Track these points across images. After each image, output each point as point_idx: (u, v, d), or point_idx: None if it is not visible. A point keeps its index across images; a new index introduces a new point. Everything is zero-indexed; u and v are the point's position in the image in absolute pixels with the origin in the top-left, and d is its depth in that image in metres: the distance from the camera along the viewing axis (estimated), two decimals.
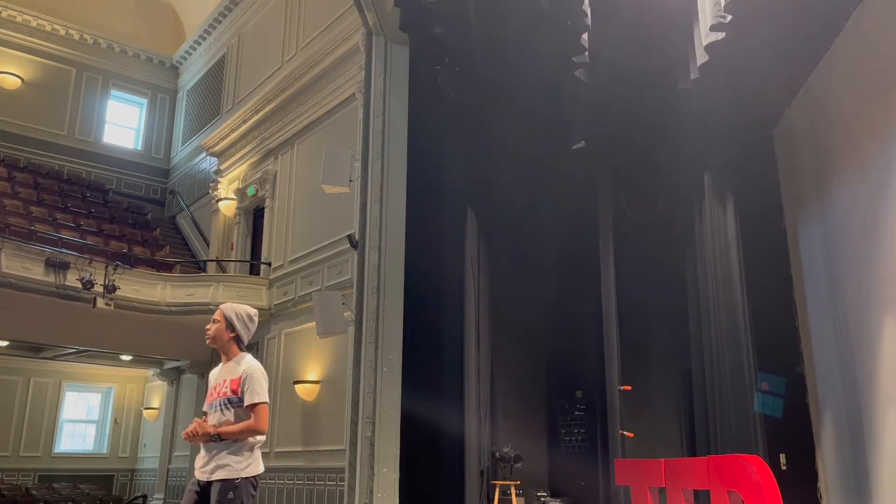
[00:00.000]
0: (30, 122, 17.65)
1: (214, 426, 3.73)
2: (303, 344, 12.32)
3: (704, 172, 7.46)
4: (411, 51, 7.76)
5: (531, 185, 8.56)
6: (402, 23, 7.44)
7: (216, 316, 3.95)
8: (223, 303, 4.22)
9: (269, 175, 14.31)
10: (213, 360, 14.90)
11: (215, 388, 3.89)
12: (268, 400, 3.77)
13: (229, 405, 3.77)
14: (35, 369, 16.87)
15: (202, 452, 3.80)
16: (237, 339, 3.91)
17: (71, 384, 17.55)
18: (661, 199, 8.23)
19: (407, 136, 7.61)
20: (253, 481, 3.72)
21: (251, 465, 3.71)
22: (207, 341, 3.97)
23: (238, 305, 4.02)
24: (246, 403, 3.72)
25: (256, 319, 4.02)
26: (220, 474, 3.65)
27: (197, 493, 3.74)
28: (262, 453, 3.84)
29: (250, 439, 3.72)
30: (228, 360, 3.91)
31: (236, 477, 3.64)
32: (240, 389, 3.74)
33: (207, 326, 3.96)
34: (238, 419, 3.73)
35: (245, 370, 3.79)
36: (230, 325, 3.90)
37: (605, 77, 7.08)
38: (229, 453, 3.69)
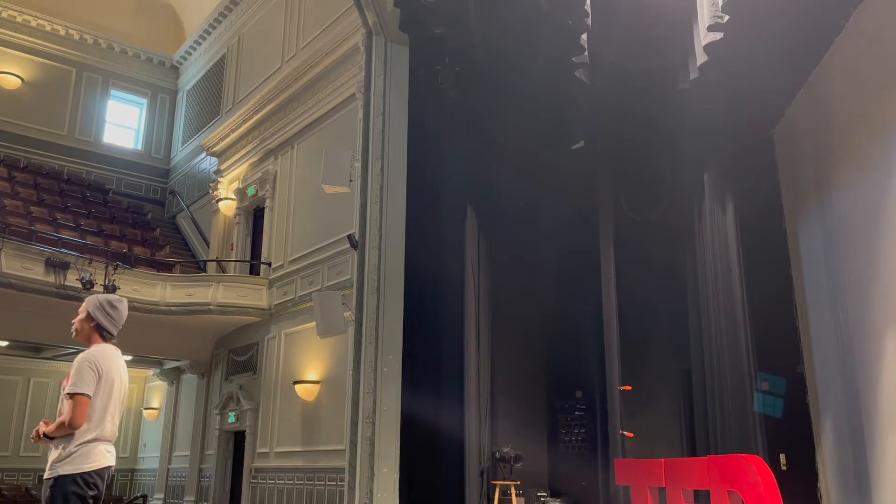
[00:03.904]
0: (30, 122, 17.65)
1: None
2: (303, 344, 12.32)
3: (704, 172, 7.46)
4: (411, 51, 7.75)
5: (531, 185, 8.55)
6: (402, 23, 7.44)
7: (80, 308, 3.83)
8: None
9: (269, 175, 14.32)
10: (214, 360, 14.93)
11: None
12: (86, 391, 3.54)
13: (64, 397, 3.64)
14: (35, 369, 16.87)
15: None
16: (98, 329, 3.77)
17: None
18: (661, 199, 8.23)
19: (407, 135, 7.61)
20: (78, 479, 3.50)
21: (74, 460, 3.51)
22: (73, 335, 3.84)
23: (100, 295, 3.88)
24: (65, 392, 3.58)
25: (120, 305, 3.85)
26: (47, 473, 3.54)
27: None
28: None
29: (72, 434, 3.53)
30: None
31: (54, 475, 3.49)
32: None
33: (73, 321, 3.84)
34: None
35: (76, 359, 3.65)
36: (89, 316, 3.77)
37: (605, 77, 7.08)
38: (55, 449, 3.56)
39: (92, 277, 11.78)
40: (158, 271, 14.02)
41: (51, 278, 11.75)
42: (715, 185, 7.34)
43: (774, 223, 7.39)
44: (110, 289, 11.98)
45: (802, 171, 7.08)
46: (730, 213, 7.22)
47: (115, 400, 3.71)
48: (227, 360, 14.55)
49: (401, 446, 6.90)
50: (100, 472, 3.60)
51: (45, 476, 3.53)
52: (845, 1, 5.66)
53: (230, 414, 13.79)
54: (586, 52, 6.64)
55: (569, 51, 6.66)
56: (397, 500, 6.81)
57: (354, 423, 7.19)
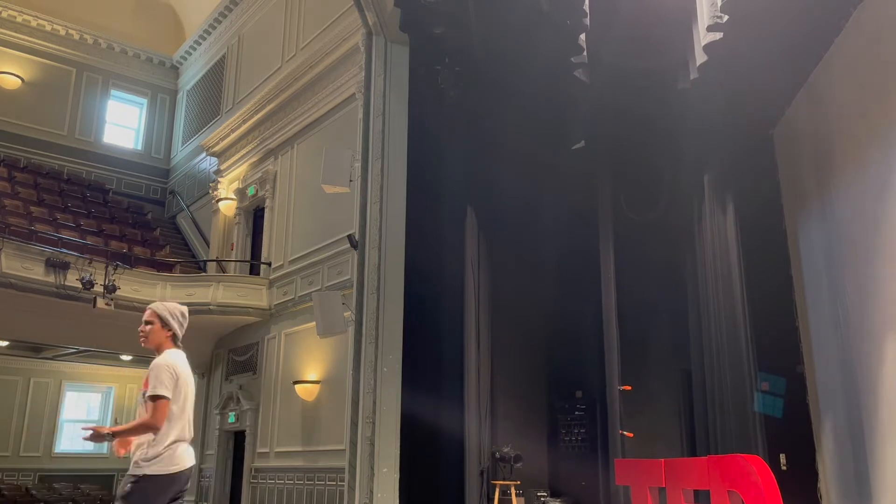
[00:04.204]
0: (30, 122, 17.65)
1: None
2: (303, 344, 12.32)
3: (704, 172, 7.46)
4: (411, 51, 7.76)
5: (531, 185, 8.55)
6: (402, 23, 7.44)
7: (148, 317, 3.92)
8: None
9: (269, 175, 14.32)
10: (214, 360, 14.93)
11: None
12: (166, 394, 3.66)
13: (142, 399, 3.76)
14: (35, 369, 16.88)
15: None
16: (173, 337, 3.91)
17: (71, 384, 17.56)
18: (661, 199, 8.22)
19: (407, 135, 7.61)
20: (163, 480, 3.63)
21: (162, 461, 3.63)
22: (142, 343, 3.93)
23: (168, 303, 4.02)
24: (146, 395, 3.68)
25: (188, 316, 4.01)
26: (132, 469, 3.64)
27: None
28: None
29: (153, 435, 3.64)
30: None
31: (139, 473, 3.60)
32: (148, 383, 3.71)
33: (140, 328, 3.93)
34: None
35: (153, 364, 3.76)
36: (165, 325, 3.89)
37: (605, 77, 7.08)
38: (140, 449, 3.67)
39: (92, 277, 11.79)
40: (158, 271, 14.02)
41: (51, 278, 11.75)
42: (715, 185, 7.34)
43: (774, 223, 7.38)
44: (110, 289, 11.98)
45: (802, 171, 7.08)
46: (730, 213, 7.21)
47: (190, 402, 3.86)
48: (227, 360, 14.55)
49: (401, 446, 6.90)
50: (185, 473, 3.76)
51: (130, 472, 3.63)
52: (845, 1, 5.66)
53: (230, 414, 13.79)
54: (585, 52, 6.64)
55: (568, 51, 6.66)
56: (397, 500, 6.81)
57: (354, 423, 7.20)
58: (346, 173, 8.00)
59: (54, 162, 17.68)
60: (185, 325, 3.99)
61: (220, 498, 13.66)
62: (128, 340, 14.63)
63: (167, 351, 3.85)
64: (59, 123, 18.15)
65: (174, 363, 3.78)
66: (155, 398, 3.64)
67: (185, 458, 3.75)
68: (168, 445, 3.67)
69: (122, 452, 3.82)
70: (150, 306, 3.98)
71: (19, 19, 17.79)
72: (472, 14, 6.84)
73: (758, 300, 7.05)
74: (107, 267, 12.31)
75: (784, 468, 6.76)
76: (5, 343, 14.48)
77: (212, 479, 13.92)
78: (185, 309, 4.02)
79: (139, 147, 19.54)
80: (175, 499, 3.75)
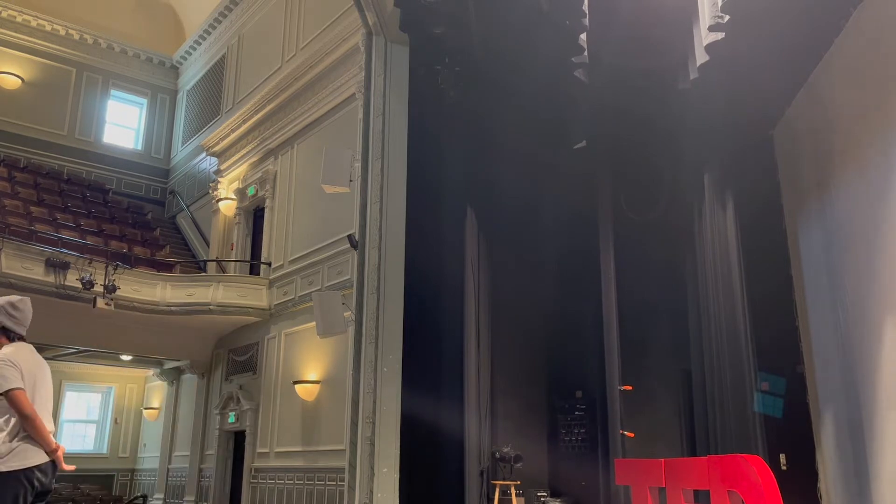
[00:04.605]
0: (30, 122, 17.66)
1: None
2: (303, 344, 12.32)
3: (704, 172, 7.46)
4: (411, 51, 7.75)
5: (531, 185, 8.55)
6: (402, 23, 7.44)
7: None
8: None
9: (269, 175, 14.32)
10: (214, 360, 14.94)
11: None
12: (17, 385, 3.65)
13: None
14: None
15: None
16: (4, 331, 3.88)
17: (71, 384, 17.56)
18: (661, 199, 8.22)
19: (407, 135, 7.61)
20: (20, 476, 3.60)
21: (14, 457, 3.61)
22: None
23: (2, 297, 3.98)
24: None
25: (23, 305, 3.95)
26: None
27: None
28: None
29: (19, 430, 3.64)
30: None
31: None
32: None
33: None
34: None
35: None
36: None
37: (605, 77, 7.08)
38: None
39: (92, 277, 11.79)
40: (158, 271, 14.03)
41: (51, 278, 11.75)
42: (715, 185, 7.34)
43: (774, 223, 7.38)
44: (110, 289, 11.99)
45: (802, 171, 7.08)
46: (730, 213, 7.21)
47: (40, 394, 3.81)
48: (227, 360, 14.55)
49: (401, 446, 6.90)
50: (42, 468, 3.69)
51: None
52: (845, 1, 5.65)
53: (230, 414, 13.79)
54: (586, 52, 6.64)
55: (569, 51, 6.66)
56: (397, 500, 6.81)
57: (354, 423, 7.19)
58: (346, 173, 7.99)
59: (54, 162, 17.69)
60: (22, 318, 3.92)
61: (220, 498, 13.66)
62: (128, 340, 14.72)
63: (5, 348, 3.83)
64: (59, 123, 18.16)
65: (11, 358, 3.75)
66: (6, 393, 3.64)
67: (41, 453, 3.71)
68: (22, 438, 3.66)
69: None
70: None
71: (19, 19, 17.79)
72: (472, 14, 6.84)
73: (758, 300, 7.05)
74: (107, 267, 12.31)
75: (784, 468, 6.76)
76: None
77: (212, 479, 13.92)
78: (18, 300, 3.96)
79: (139, 147, 19.55)
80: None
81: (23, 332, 3.93)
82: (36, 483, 3.64)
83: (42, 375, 3.88)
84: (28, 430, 3.65)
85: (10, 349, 3.81)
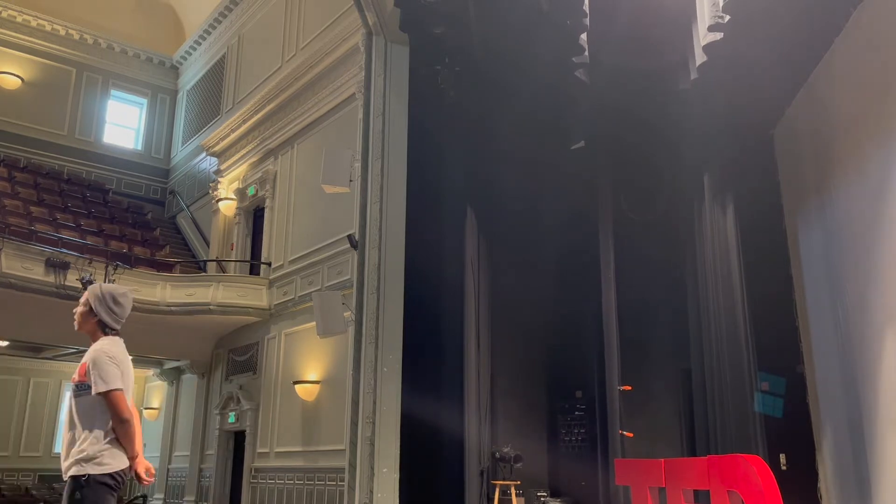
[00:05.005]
0: (30, 122, 17.66)
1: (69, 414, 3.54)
2: (303, 344, 12.32)
3: (704, 173, 7.46)
4: (411, 51, 7.75)
5: (531, 185, 8.55)
6: (402, 23, 7.44)
7: (82, 299, 3.72)
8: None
9: (269, 175, 14.32)
10: (214, 360, 14.93)
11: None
12: (119, 386, 3.46)
13: (78, 391, 3.55)
14: (35, 369, 16.88)
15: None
16: (101, 324, 3.66)
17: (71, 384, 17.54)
18: (661, 199, 8.22)
19: (407, 135, 7.60)
20: (106, 479, 3.42)
21: (103, 460, 3.42)
22: (76, 327, 3.74)
23: (105, 285, 3.76)
24: (93, 392, 3.46)
25: (125, 301, 3.72)
26: (73, 470, 3.43)
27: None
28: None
29: (107, 433, 3.46)
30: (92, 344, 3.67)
31: (83, 474, 3.39)
32: (87, 376, 3.50)
33: (74, 310, 3.73)
34: (82, 407, 3.50)
35: (91, 355, 3.54)
36: (91, 310, 3.66)
37: (605, 77, 7.08)
38: (80, 447, 3.44)
39: (92, 277, 11.76)
40: (158, 271, 14.03)
41: (51, 278, 11.75)
42: (715, 185, 7.34)
43: (774, 223, 7.38)
44: None
45: (802, 171, 7.08)
46: (730, 213, 7.21)
47: (131, 393, 3.66)
48: (227, 360, 14.55)
49: (401, 446, 6.90)
50: (125, 472, 3.54)
51: (73, 473, 3.43)
52: (845, 1, 5.65)
53: (230, 414, 13.79)
54: (586, 52, 6.64)
55: (569, 51, 6.66)
56: (397, 500, 6.81)
57: (354, 423, 7.19)
58: (346, 173, 7.99)
59: (54, 162, 17.68)
60: (121, 313, 3.71)
61: (220, 498, 13.66)
62: (128, 340, 14.67)
63: (102, 340, 3.64)
64: (59, 123, 18.16)
65: (112, 353, 3.58)
66: (108, 393, 3.44)
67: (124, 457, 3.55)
68: (110, 442, 3.49)
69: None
70: (88, 287, 3.76)
71: (19, 19, 17.79)
72: (472, 14, 6.84)
73: (758, 300, 7.05)
74: (107, 267, 12.32)
75: (784, 468, 6.76)
76: (5, 343, 14.47)
77: (212, 479, 13.92)
78: (121, 293, 3.74)
79: (139, 147, 19.55)
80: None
81: (118, 328, 3.71)
82: (121, 487, 3.51)
83: (131, 377, 3.69)
84: (121, 435, 3.47)
85: (107, 343, 3.61)
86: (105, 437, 3.47)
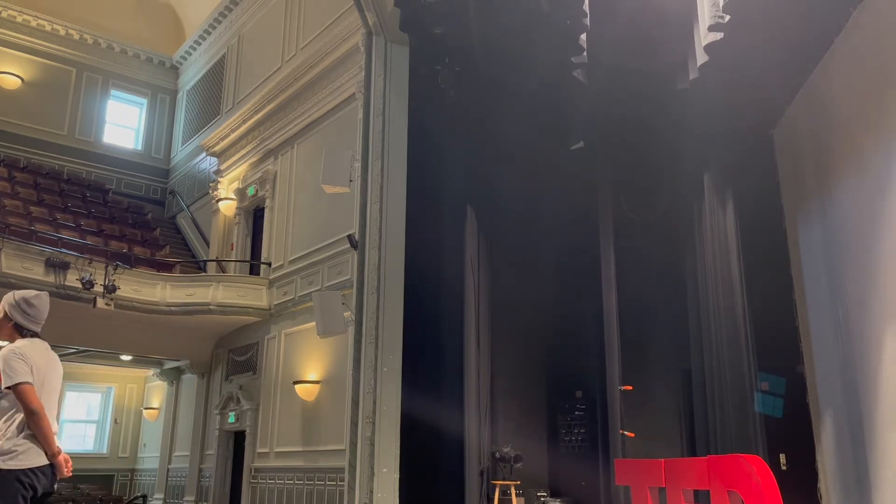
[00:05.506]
0: (30, 122, 17.66)
1: None
2: (303, 344, 12.32)
3: (704, 173, 7.46)
4: (411, 51, 7.75)
5: (531, 185, 8.56)
6: (402, 23, 7.44)
7: None
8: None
9: (269, 175, 14.32)
10: (214, 360, 14.93)
11: None
12: (26, 380, 3.56)
13: None
14: None
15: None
16: (17, 328, 3.79)
17: (71, 384, 17.55)
18: (661, 199, 8.23)
19: (407, 135, 7.61)
20: (19, 475, 3.50)
21: (15, 456, 3.52)
22: None
23: (18, 291, 3.89)
24: (3, 388, 3.59)
25: (38, 302, 3.84)
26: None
27: None
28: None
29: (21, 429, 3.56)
30: None
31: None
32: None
33: None
34: (1, 407, 3.61)
35: (1, 355, 3.65)
36: (6, 316, 3.80)
37: (605, 77, 7.08)
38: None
39: (92, 277, 11.79)
40: (158, 271, 14.02)
41: (51, 278, 11.75)
42: (715, 185, 7.35)
43: (774, 223, 7.38)
44: (110, 289, 11.98)
45: (802, 171, 7.08)
46: (730, 213, 7.22)
47: (46, 391, 3.72)
48: (227, 360, 14.56)
49: (401, 446, 6.90)
50: (43, 471, 3.60)
51: None
52: (845, 1, 5.65)
53: (230, 414, 13.79)
54: (585, 53, 6.64)
55: (568, 51, 6.66)
56: (397, 500, 6.81)
57: (354, 423, 7.19)
58: (346, 173, 7.99)
59: (54, 162, 17.68)
60: (36, 315, 3.82)
61: (220, 498, 13.66)
62: (128, 340, 14.71)
63: (16, 342, 3.76)
64: (59, 123, 18.16)
65: (19, 349, 3.68)
66: (15, 387, 3.55)
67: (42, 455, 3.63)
68: (27, 437, 3.58)
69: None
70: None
71: (19, 19, 17.79)
72: (472, 14, 6.84)
73: (758, 300, 7.05)
74: (107, 267, 12.31)
75: (784, 468, 6.76)
76: (4, 343, 14.46)
77: (212, 479, 13.92)
78: (33, 296, 3.85)
79: (139, 147, 19.55)
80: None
81: (37, 328, 3.83)
82: (37, 485, 3.56)
83: (52, 375, 3.79)
84: (33, 428, 3.57)
85: (22, 342, 3.75)
86: (19, 433, 3.57)
